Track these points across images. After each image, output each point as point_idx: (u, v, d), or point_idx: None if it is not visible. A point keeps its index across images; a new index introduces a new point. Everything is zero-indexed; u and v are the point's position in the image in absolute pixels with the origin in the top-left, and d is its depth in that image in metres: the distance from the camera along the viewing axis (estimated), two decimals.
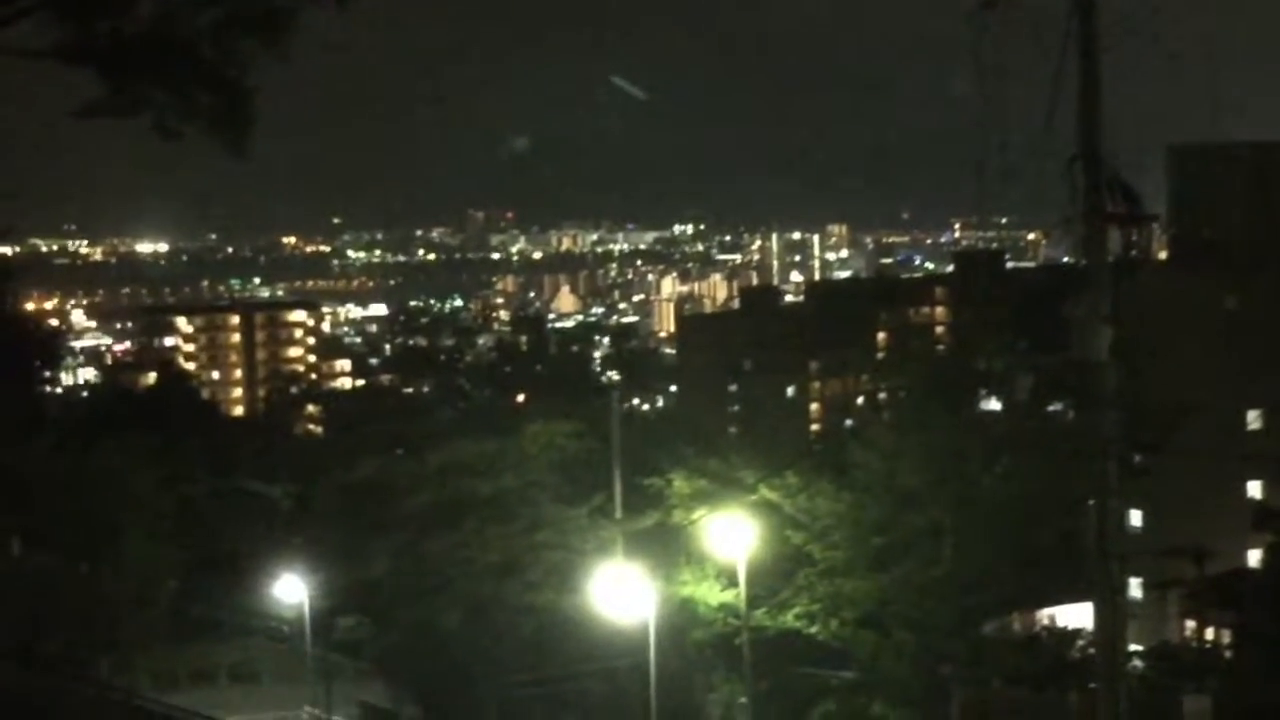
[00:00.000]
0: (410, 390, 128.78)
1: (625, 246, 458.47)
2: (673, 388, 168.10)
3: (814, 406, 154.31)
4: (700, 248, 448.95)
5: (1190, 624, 61.88)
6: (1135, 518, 62.96)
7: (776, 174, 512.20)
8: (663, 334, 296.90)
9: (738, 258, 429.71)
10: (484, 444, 47.65)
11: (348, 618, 57.10)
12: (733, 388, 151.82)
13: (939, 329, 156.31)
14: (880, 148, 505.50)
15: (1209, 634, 59.65)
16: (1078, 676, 41.70)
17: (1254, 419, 73.98)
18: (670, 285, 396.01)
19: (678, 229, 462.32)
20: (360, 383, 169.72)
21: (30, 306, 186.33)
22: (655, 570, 39.48)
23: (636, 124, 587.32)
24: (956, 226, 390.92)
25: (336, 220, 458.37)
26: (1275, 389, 72.62)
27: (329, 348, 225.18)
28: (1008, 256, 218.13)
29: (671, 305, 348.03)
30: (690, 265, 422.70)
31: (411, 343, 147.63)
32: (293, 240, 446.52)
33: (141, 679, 51.68)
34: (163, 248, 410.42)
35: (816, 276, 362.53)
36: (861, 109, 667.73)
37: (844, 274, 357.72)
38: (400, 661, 50.82)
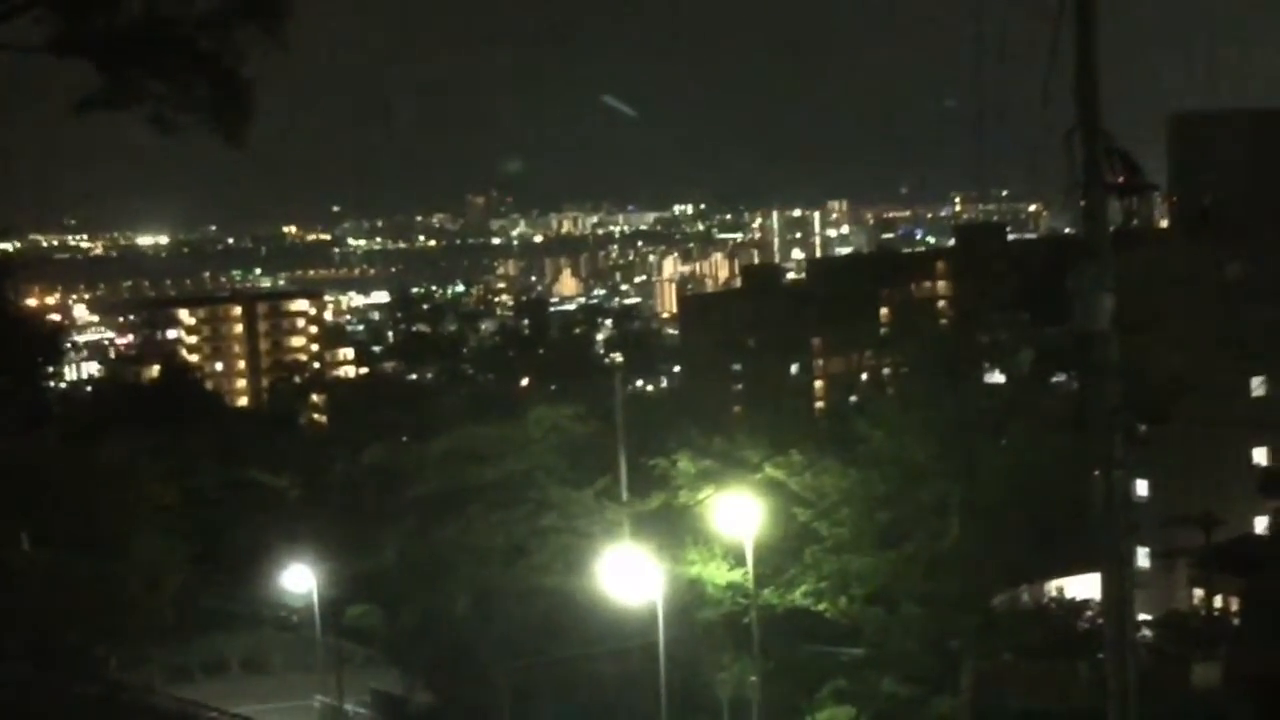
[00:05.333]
0: (414, 377, 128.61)
1: (626, 228, 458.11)
2: (676, 368, 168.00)
3: (818, 384, 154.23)
4: (701, 227, 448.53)
5: (1198, 592, 61.94)
6: (1141, 487, 63.14)
7: (776, 152, 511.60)
8: (665, 314, 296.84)
9: (739, 236, 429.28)
10: (488, 429, 47.63)
11: (356, 606, 57.20)
12: (736, 367, 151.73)
13: (941, 303, 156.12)
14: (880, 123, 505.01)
15: (1217, 601, 59.71)
16: (1087, 647, 41.79)
17: (1257, 386, 73.93)
18: (671, 265, 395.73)
19: (678, 209, 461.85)
20: (364, 371, 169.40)
21: (32, 302, 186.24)
22: (662, 551, 39.45)
23: (636, 106, 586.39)
24: (957, 200, 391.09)
25: (336, 209, 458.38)
26: (1278, 355, 72.58)
27: (331, 336, 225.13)
28: (1009, 229, 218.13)
29: (673, 286, 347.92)
30: (691, 245, 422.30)
31: (414, 329, 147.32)
32: (293, 229, 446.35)
33: (153, 672, 51.86)
34: (163, 240, 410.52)
35: (818, 253, 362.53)
36: (860, 86, 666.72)
37: (845, 250, 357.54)
38: (410, 648, 50.89)
